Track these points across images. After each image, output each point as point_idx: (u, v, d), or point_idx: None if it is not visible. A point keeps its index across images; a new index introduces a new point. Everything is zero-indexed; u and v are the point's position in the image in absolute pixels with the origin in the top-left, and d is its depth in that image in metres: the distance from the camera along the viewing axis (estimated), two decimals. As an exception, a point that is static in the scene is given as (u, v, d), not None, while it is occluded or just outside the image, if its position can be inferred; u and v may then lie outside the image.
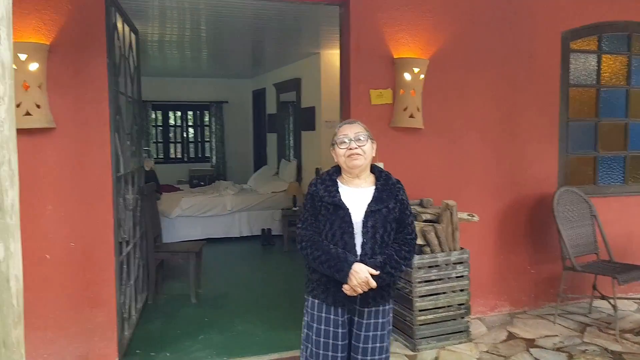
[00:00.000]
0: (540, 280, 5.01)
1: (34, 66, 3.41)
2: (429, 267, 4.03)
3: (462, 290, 4.16)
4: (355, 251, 2.58)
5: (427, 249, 4.05)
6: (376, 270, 2.53)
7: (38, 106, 3.44)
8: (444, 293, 4.09)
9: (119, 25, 4.46)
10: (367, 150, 2.63)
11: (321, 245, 2.58)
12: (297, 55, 8.47)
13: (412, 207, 4.30)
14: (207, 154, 12.09)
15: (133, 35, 5.05)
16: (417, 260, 3.98)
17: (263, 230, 8.16)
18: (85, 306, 3.71)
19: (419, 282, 4.01)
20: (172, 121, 12.02)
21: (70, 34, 3.58)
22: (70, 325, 3.68)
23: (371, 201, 2.61)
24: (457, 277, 4.13)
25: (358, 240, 2.59)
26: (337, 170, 2.73)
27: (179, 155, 12.08)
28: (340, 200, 2.60)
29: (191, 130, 12.24)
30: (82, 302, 3.71)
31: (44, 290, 3.62)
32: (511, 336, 4.39)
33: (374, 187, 2.67)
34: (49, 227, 3.61)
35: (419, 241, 3.99)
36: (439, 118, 4.55)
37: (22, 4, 3.45)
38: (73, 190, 3.64)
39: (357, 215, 2.59)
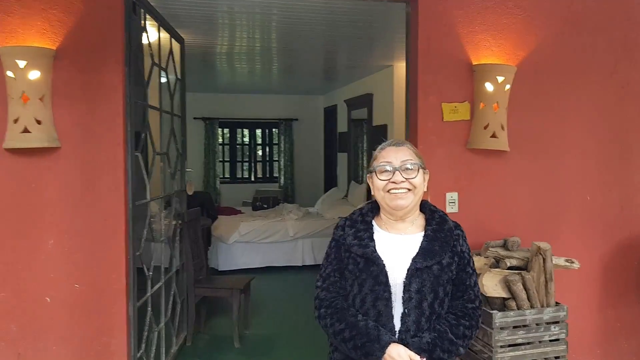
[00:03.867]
0: (659, 341, 3.99)
1: (34, 74, 2.87)
2: (515, 327, 3.16)
3: (557, 358, 3.25)
4: (393, 325, 1.83)
5: (513, 304, 3.19)
6: (421, 356, 1.78)
7: (39, 122, 2.89)
8: (534, 361, 3.21)
9: (154, 31, 3.94)
10: (418, 184, 1.88)
11: (345, 315, 1.85)
12: (370, 69, 7.82)
13: (494, 249, 3.47)
14: (276, 174, 11.56)
15: (177, 44, 4.53)
16: (499, 318, 3.13)
17: (328, 259, 7.44)
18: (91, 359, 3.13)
19: (502, 347, 3.14)
20: (239, 139, 11.59)
21: (82, 38, 3.03)
22: (71, 383, 3.10)
23: (417, 254, 1.86)
24: (551, 340, 3.23)
25: (398, 309, 1.84)
26: (373, 207, 1.99)
27: (246, 175, 11.62)
28: (374, 252, 1.86)
29: (259, 148, 11.77)
30: (88, 354, 3.11)
31: (43, 339, 3.06)
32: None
33: (423, 234, 1.91)
34: (49, 265, 3.05)
35: (503, 294, 3.15)
36: (528, 138, 3.67)
37: (25, 3, 2.94)
38: (79, 221, 3.07)
39: (398, 275, 1.85)
